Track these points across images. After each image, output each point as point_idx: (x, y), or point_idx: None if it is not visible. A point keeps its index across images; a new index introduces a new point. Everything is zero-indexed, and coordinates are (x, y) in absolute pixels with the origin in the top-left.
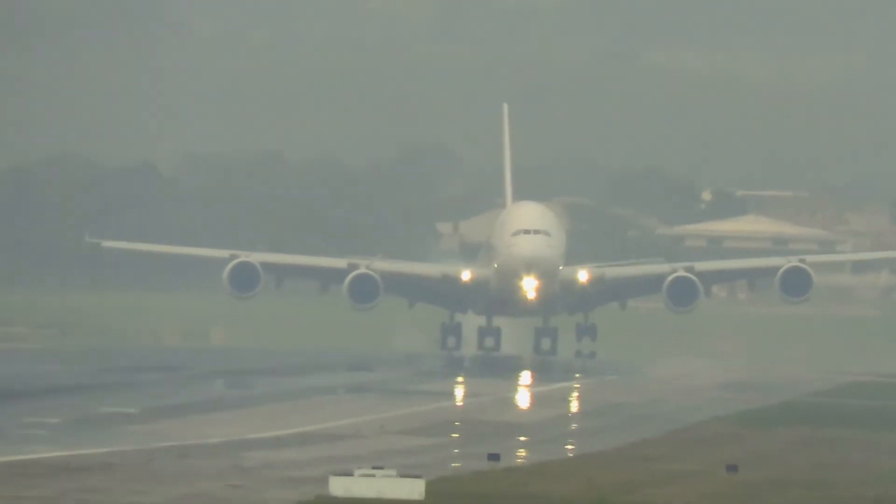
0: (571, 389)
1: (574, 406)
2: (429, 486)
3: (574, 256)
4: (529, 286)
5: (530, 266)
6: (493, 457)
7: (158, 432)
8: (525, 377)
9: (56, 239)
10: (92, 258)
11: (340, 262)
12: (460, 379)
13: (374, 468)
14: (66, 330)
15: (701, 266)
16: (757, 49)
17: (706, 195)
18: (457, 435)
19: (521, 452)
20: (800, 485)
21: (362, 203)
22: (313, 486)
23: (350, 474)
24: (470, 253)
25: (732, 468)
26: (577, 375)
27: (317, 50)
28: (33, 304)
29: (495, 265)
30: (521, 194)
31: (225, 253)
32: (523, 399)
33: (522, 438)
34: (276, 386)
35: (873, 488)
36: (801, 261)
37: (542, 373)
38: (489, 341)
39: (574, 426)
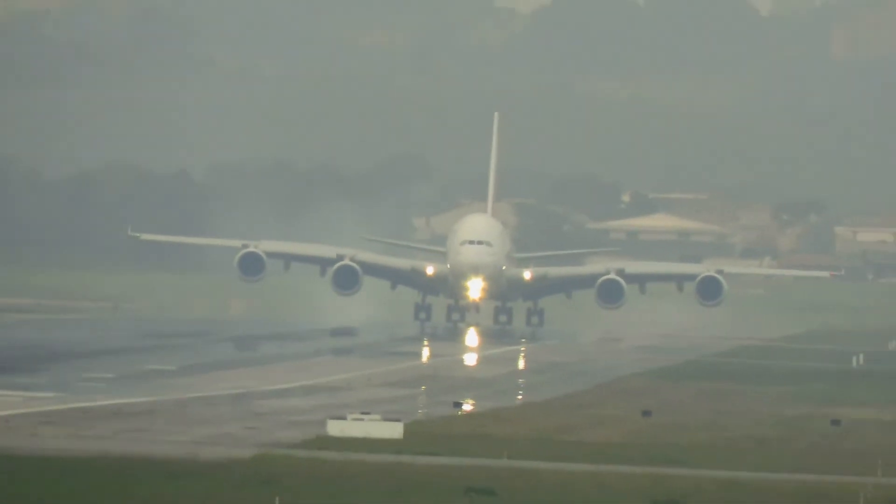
0: (519, 352)
1: (521, 364)
2: (406, 427)
3: (522, 246)
4: (476, 286)
5: (474, 270)
6: (457, 404)
7: (191, 385)
8: (482, 342)
9: (110, 231)
10: (137, 247)
11: (330, 252)
12: (426, 343)
13: (362, 413)
14: (118, 303)
15: (631, 269)
16: (666, 79)
17: (626, 197)
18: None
19: (479, 401)
20: (701, 427)
21: (353, 202)
22: (314, 427)
23: (344, 418)
24: (439, 241)
25: (647, 413)
26: (523, 340)
27: (318, 78)
28: (91, 284)
29: (448, 266)
30: (480, 194)
31: (237, 243)
32: (480, 359)
33: (480, 390)
34: (283, 348)
35: (758, 430)
36: (718, 272)
37: (497, 339)
38: (455, 315)
39: (521, 380)
